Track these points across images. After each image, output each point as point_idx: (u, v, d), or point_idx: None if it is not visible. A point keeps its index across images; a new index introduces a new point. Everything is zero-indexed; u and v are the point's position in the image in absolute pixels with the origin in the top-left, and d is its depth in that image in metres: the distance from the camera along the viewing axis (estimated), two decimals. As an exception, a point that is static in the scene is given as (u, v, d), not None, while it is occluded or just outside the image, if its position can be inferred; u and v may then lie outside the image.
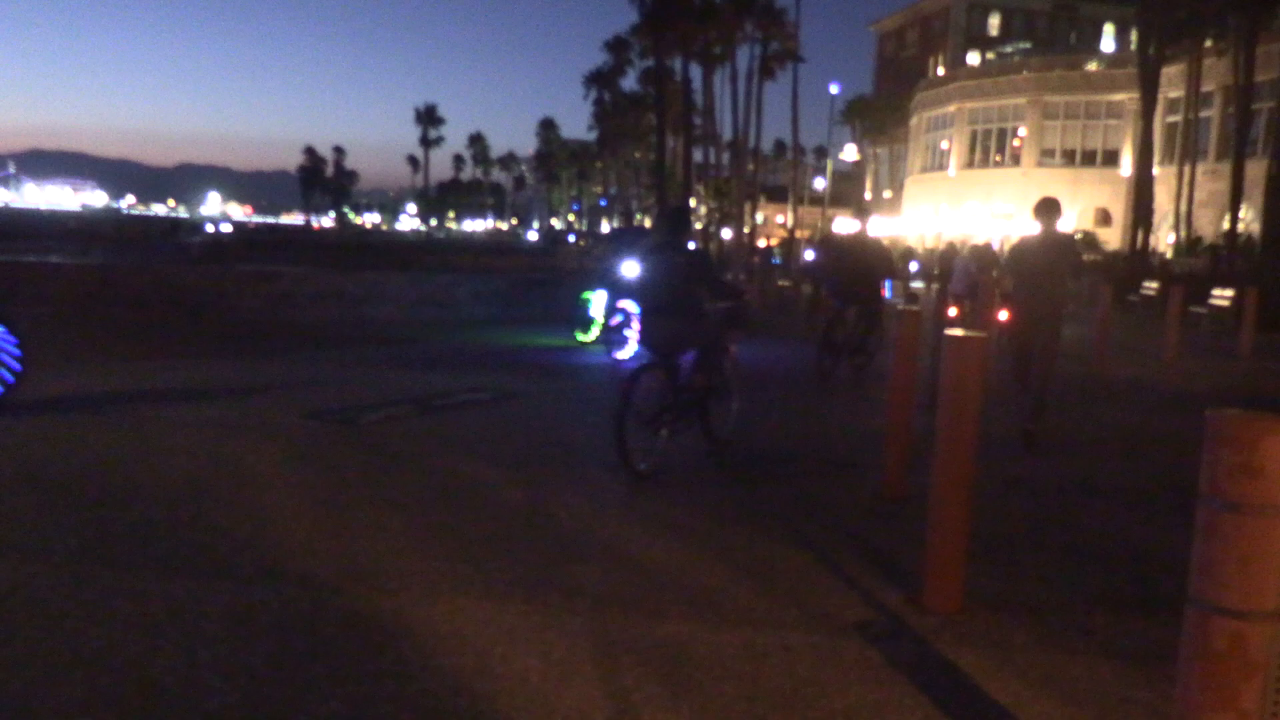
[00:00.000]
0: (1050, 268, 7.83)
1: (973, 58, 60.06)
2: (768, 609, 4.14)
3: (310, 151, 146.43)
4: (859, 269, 11.64)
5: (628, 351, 12.09)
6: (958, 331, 4.27)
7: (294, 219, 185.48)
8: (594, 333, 13.46)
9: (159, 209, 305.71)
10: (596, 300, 13.49)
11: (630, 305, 11.91)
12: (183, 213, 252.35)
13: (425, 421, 8.01)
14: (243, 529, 4.90)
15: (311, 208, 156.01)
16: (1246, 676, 2.26)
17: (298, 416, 7.77)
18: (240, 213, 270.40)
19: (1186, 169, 38.62)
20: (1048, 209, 7.94)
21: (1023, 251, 8.14)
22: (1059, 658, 3.76)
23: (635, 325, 11.31)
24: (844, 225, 51.25)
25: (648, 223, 75.41)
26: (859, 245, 12.29)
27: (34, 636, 3.54)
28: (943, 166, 53.04)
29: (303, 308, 15.93)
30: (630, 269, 12.05)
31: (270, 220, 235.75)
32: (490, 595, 4.16)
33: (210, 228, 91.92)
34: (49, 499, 5.28)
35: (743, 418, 7.36)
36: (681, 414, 6.54)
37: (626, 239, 16.03)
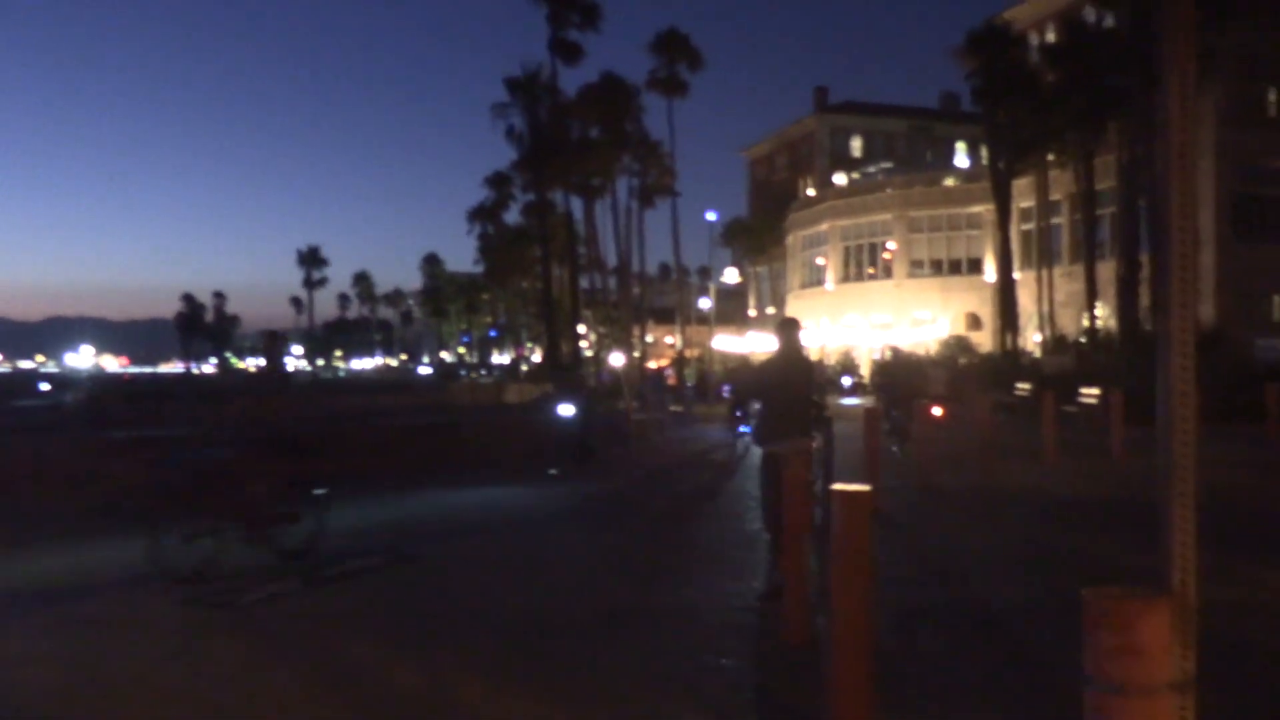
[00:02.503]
0: (793, 391, 7.38)
1: (839, 178, 63.11)
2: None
3: (188, 298, 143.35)
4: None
5: None
6: (845, 486, 4.31)
7: (173, 367, 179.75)
8: None
9: (26, 364, 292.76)
10: None
11: None
12: (52, 367, 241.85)
13: (312, 597, 7.63)
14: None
15: (192, 355, 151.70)
16: None
17: (175, 604, 7.32)
18: (115, 364, 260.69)
19: (1045, 272, 40.96)
20: (787, 330, 7.56)
21: (764, 374, 7.72)
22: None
23: None
24: (753, 344, 52.34)
25: (538, 352, 75.62)
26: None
27: None
28: (820, 282, 54.98)
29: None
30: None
31: (147, 370, 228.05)
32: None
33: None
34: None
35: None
36: None
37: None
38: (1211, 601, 6.51)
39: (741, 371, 19.83)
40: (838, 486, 4.30)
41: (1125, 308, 29.62)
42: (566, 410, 16.70)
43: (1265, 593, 7.10)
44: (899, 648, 5.82)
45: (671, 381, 37.89)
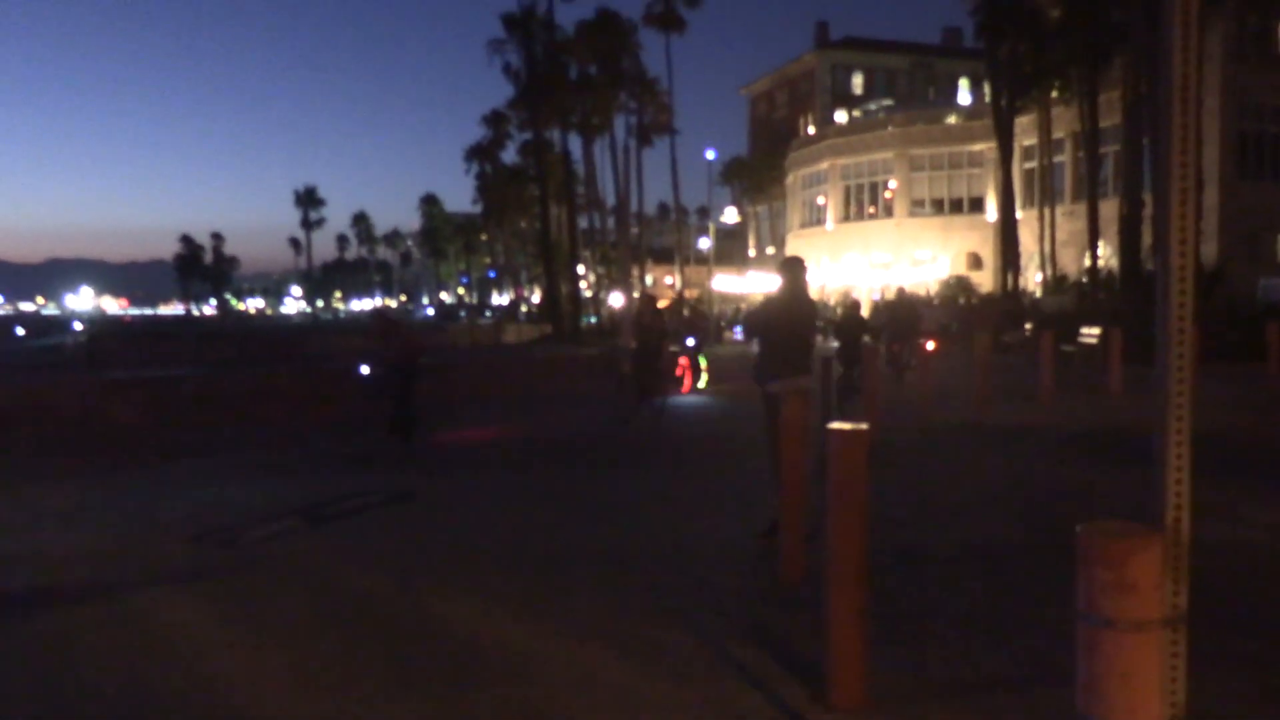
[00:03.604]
0: (794, 331, 7.27)
1: (840, 116, 62.40)
2: (680, 717, 4.05)
3: (187, 239, 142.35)
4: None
5: None
6: (842, 425, 4.32)
7: (173, 309, 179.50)
8: None
9: (27, 306, 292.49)
10: None
11: None
12: (53, 309, 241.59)
13: (313, 535, 7.71)
14: (114, 681, 4.58)
15: (191, 296, 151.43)
16: (1140, 792, 2.28)
17: (178, 542, 7.39)
18: (115, 305, 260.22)
19: (1047, 211, 40.67)
20: (791, 270, 7.37)
21: (766, 312, 7.57)
22: (965, 750, 3.77)
23: None
24: (755, 283, 52.20)
25: (537, 293, 75.43)
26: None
27: None
28: (820, 221, 54.65)
29: (184, 413, 15.30)
30: None
31: (147, 312, 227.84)
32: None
33: (78, 325, 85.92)
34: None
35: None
36: None
37: None
38: (1204, 540, 6.59)
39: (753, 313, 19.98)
40: (834, 425, 4.30)
41: (1127, 247, 29.43)
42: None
43: (1259, 530, 7.16)
44: (894, 582, 5.88)
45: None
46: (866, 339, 16.46)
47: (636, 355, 15.76)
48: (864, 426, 4.36)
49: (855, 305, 21.65)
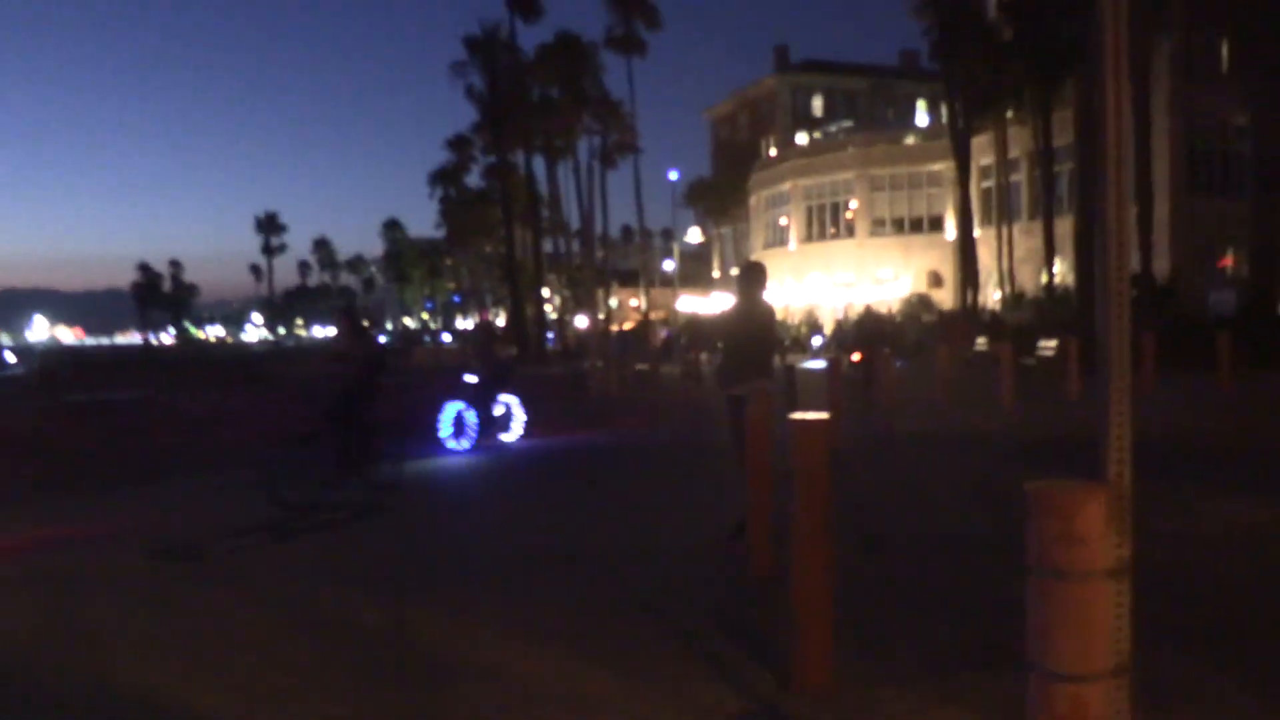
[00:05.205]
0: (754, 335, 7.24)
1: (801, 137, 63.09)
2: (646, 710, 4.10)
3: (144, 267, 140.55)
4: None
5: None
6: (802, 415, 4.41)
7: (131, 338, 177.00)
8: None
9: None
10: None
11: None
12: (6, 340, 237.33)
13: (280, 548, 7.67)
14: (80, 695, 4.55)
15: (149, 325, 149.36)
16: (1091, 736, 2.37)
17: (141, 558, 7.33)
18: (70, 335, 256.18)
19: (1004, 229, 41.35)
20: (750, 276, 7.30)
21: (727, 318, 7.55)
22: (928, 727, 3.85)
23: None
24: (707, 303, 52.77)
25: (503, 316, 75.38)
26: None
27: None
28: (783, 242, 55.13)
29: (142, 436, 15.10)
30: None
31: (104, 341, 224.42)
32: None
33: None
34: None
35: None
36: None
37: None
38: (1159, 531, 6.74)
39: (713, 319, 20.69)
40: (796, 415, 4.39)
41: (1082, 262, 30.01)
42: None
43: (1205, 522, 7.36)
44: (859, 571, 5.97)
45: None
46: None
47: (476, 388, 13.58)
48: (824, 415, 4.45)
49: (873, 315, 22.79)
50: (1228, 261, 36.73)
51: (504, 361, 14.60)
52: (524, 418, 14.16)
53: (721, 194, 64.57)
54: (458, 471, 11.81)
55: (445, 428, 13.10)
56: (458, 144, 68.55)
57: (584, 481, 10.82)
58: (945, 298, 46.26)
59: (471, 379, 13.55)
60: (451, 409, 13.18)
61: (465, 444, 13.19)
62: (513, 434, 14.03)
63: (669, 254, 67.10)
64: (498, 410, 13.79)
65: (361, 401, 9.81)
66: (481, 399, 13.48)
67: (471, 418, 13.30)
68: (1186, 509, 7.67)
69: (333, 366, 10.31)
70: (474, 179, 70.82)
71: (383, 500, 9.40)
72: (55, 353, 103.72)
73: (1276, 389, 18.19)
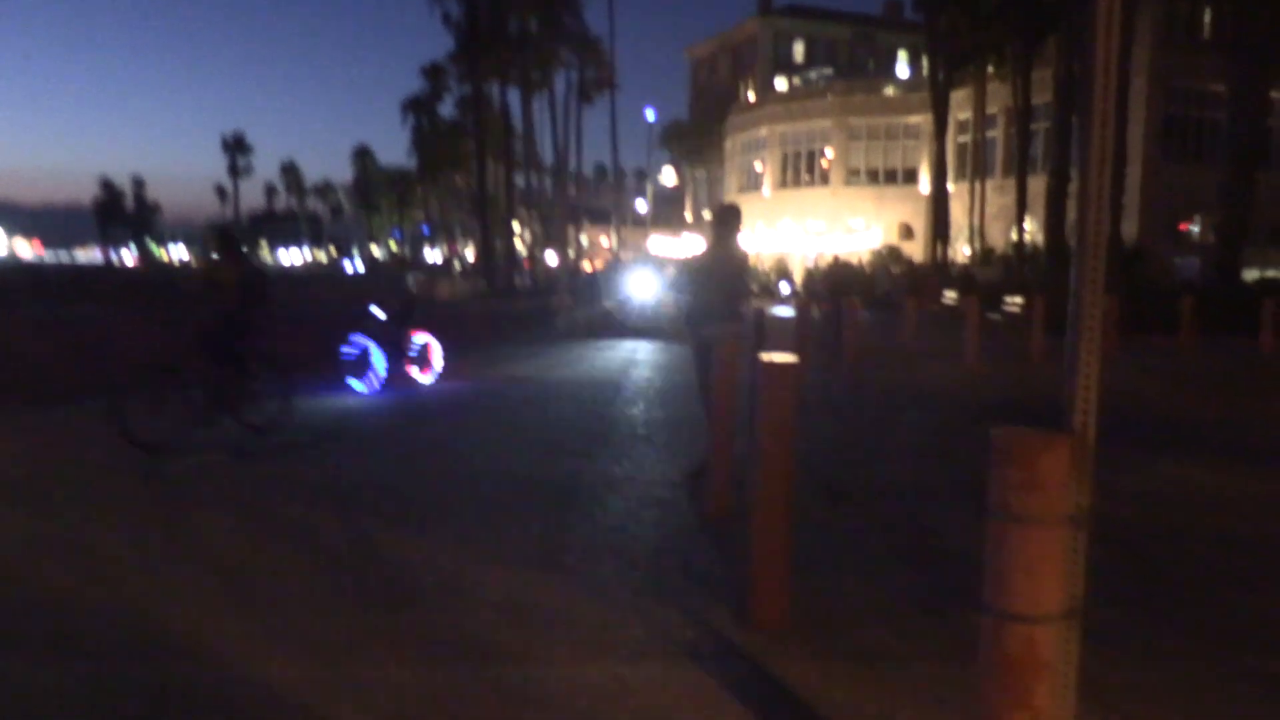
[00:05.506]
0: (727, 278, 7.22)
1: (780, 83, 62.56)
2: (603, 637, 4.15)
3: (106, 184, 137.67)
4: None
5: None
6: (771, 356, 4.42)
7: (92, 255, 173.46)
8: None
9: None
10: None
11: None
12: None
13: (239, 467, 7.63)
14: (46, 602, 4.53)
15: (110, 241, 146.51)
16: (1039, 677, 2.43)
17: (98, 471, 7.26)
18: (28, 249, 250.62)
19: (978, 185, 41.45)
20: (724, 219, 7.26)
21: (700, 261, 7.55)
22: (880, 666, 3.93)
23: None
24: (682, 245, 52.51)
25: (471, 250, 74.71)
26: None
27: None
28: (758, 187, 54.93)
29: (97, 350, 14.88)
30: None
31: (64, 257, 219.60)
32: (315, 653, 3.99)
33: None
34: None
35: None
36: None
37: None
38: (1121, 489, 6.87)
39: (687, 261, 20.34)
40: (764, 356, 4.39)
41: (1052, 222, 30.21)
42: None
43: (1159, 481, 7.53)
44: (816, 517, 6.05)
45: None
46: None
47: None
48: (793, 358, 4.46)
49: (842, 265, 22.59)
50: (1186, 226, 37.12)
51: (411, 298, 13.43)
52: (441, 358, 12.98)
53: (697, 136, 64.07)
54: (357, 413, 10.56)
55: (348, 366, 11.96)
56: (432, 72, 67.20)
57: (504, 425, 10.61)
58: (915, 250, 46.45)
59: (379, 313, 12.29)
60: (355, 346, 12.02)
61: (371, 385, 11.96)
62: (428, 376, 12.87)
63: (642, 194, 66.62)
64: (410, 349, 12.59)
65: (236, 334, 8.87)
66: (391, 336, 12.28)
67: (379, 356, 12.06)
68: (1147, 469, 7.84)
69: (207, 293, 9.16)
70: (448, 109, 69.68)
71: (258, 444, 8.49)
72: (12, 266, 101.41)
73: (1236, 353, 18.54)
